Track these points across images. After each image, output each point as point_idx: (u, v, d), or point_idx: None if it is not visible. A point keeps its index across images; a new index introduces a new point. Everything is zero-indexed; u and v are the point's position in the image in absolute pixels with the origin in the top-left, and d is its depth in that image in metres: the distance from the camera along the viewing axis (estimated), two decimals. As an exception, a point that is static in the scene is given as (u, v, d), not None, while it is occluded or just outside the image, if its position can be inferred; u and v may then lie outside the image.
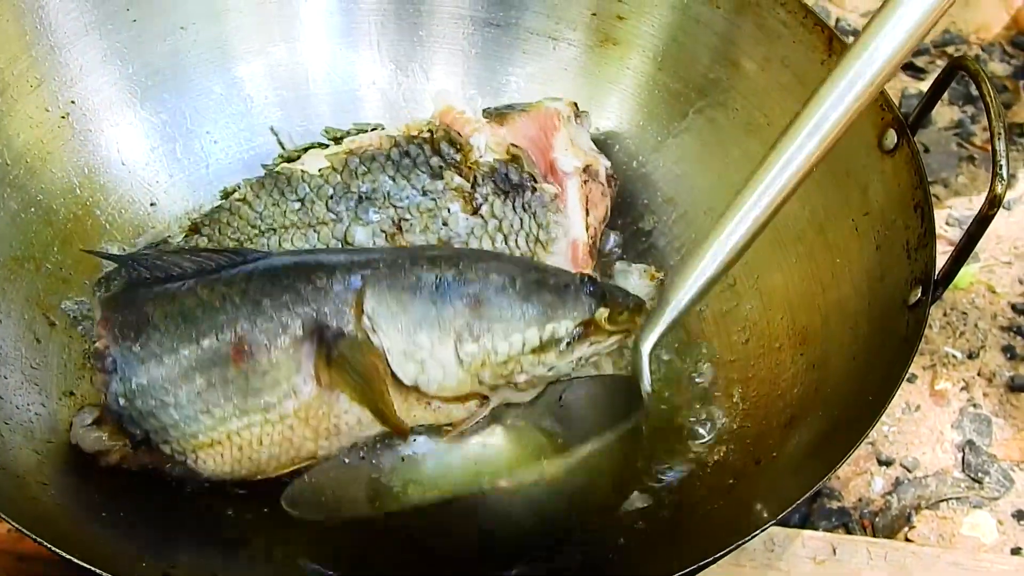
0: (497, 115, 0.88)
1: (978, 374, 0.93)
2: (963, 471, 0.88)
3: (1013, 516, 0.86)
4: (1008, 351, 0.94)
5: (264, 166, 0.89)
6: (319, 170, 0.85)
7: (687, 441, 0.78)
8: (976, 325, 0.96)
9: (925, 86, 1.10)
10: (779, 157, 0.72)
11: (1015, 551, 0.84)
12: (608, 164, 0.88)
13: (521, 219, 0.83)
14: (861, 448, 0.78)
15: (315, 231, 0.83)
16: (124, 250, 0.85)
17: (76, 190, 0.86)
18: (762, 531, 0.66)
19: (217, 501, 0.75)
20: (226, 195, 0.87)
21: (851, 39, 0.75)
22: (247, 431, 0.72)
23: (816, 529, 0.83)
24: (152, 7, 0.88)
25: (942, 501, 0.86)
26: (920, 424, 0.91)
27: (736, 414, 0.79)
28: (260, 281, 0.73)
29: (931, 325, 0.95)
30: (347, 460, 0.73)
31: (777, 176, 0.72)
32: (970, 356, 0.94)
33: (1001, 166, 0.67)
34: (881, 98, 0.77)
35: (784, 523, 0.81)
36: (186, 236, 0.84)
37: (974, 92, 1.10)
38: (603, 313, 0.75)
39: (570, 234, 0.84)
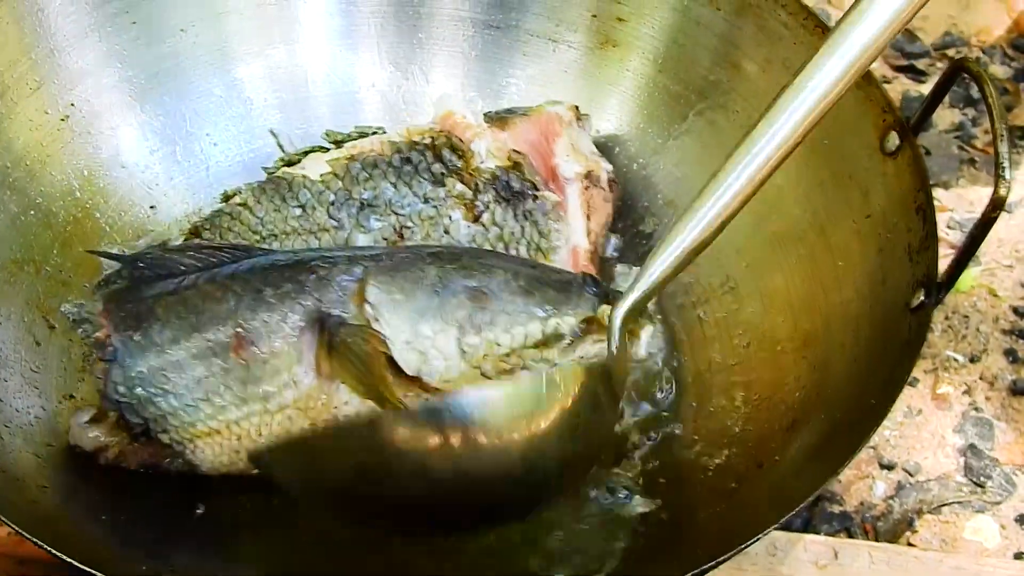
0: (498, 119, 0.87)
1: (980, 378, 0.93)
2: (965, 475, 0.88)
3: (1016, 520, 0.86)
4: (1010, 355, 0.94)
5: (265, 169, 0.89)
6: (320, 176, 0.85)
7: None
8: (978, 329, 0.96)
9: (925, 89, 1.10)
10: (765, 129, 0.69)
11: (1018, 555, 0.84)
12: (610, 168, 0.88)
13: (522, 227, 0.83)
14: (863, 452, 0.78)
15: (316, 237, 0.83)
16: (124, 252, 0.85)
17: (76, 193, 0.86)
18: (764, 535, 0.65)
19: (217, 503, 0.74)
20: (226, 198, 0.87)
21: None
22: (246, 421, 0.72)
23: (818, 533, 0.83)
24: (152, 10, 0.88)
25: (944, 505, 0.86)
26: (922, 428, 0.90)
27: (738, 417, 0.79)
28: (262, 271, 0.73)
29: (932, 329, 0.95)
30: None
31: (761, 149, 0.69)
32: (972, 360, 0.94)
33: (1004, 168, 0.67)
34: (883, 101, 0.77)
35: (786, 527, 0.81)
36: (186, 239, 0.84)
37: (974, 95, 1.10)
38: (606, 311, 0.75)
39: (571, 241, 0.84)
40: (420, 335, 0.72)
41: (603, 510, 0.76)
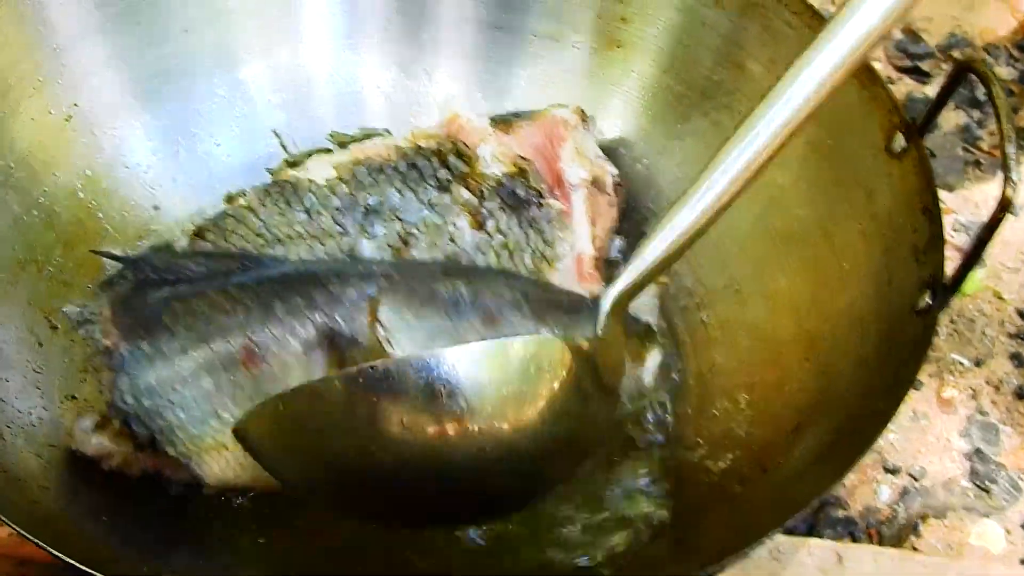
0: (503, 123, 0.87)
1: (986, 382, 0.93)
2: (970, 480, 0.87)
3: (1022, 526, 0.85)
4: (1016, 358, 0.94)
5: (269, 170, 0.89)
6: (326, 180, 0.84)
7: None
8: (983, 332, 0.96)
9: (930, 90, 1.10)
10: (762, 114, 0.68)
11: (1023, 561, 0.83)
12: (615, 172, 0.87)
13: (527, 235, 0.83)
14: (867, 456, 0.77)
15: (321, 243, 0.82)
16: (127, 253, 0.85)
17: (78, 193, 0.85)
18: (767, 539, 0.65)
19: (218, 505, 0.74)
20: (230, 199, 0.87)
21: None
22: None
23: (822, 537, 0.82)
24: (155, 10, 0.88)
25: (949, 510, 0.86)
26: (927, 432, 0.90)
27: (742, 420, 0.79)
28: (273, 285, 0.73)
29: (937, 332, 0.94)
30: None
31: (758, 134, 0.68)
32: (977, 363, 0.94)
33: (1011, 169, 0.66)
34: (889, 102, 0.76)
35: (790, 531, 0.80)
36: (190, 241, 0.83)
37: (979, 96, 1.09)
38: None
39: (576, 249, 0.83)
40: None
41: (605, 512, 0.76)
